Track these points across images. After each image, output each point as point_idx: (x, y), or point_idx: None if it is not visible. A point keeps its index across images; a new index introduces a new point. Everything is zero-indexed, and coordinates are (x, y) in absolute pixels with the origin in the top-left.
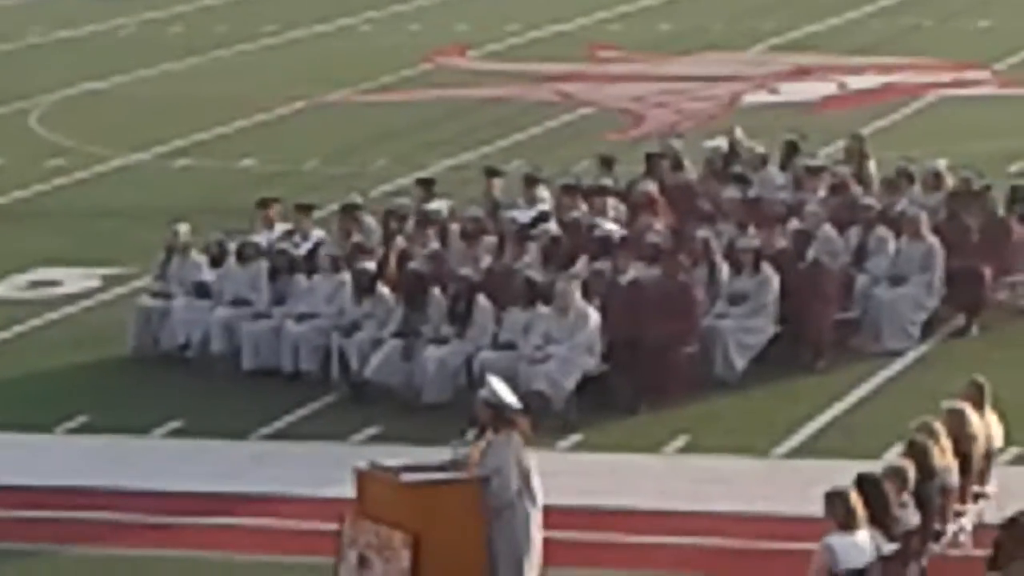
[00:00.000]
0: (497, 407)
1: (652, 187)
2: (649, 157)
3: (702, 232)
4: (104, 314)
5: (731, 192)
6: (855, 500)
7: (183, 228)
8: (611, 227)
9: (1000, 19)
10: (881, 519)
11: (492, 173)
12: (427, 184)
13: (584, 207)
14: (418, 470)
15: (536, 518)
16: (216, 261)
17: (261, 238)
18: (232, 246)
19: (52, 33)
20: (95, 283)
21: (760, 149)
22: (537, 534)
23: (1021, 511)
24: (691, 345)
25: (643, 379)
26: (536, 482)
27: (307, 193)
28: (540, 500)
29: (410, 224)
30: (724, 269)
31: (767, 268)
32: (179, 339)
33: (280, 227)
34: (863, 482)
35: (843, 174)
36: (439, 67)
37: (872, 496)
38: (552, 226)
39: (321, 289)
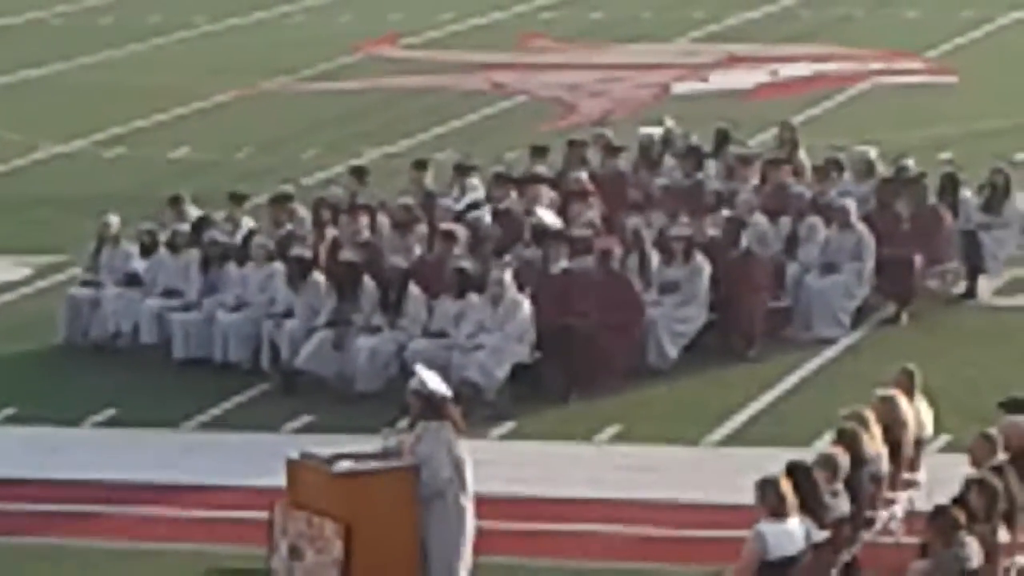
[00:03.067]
0: (427, 396)
1: (584, 176)
2: (572, 144)
3: (633, 221)
4: (35, 303)
5: (662, 181)
6: (786, 488)
7: (114, 218)
8: (548, 217)
9: (930, 8)
10: (812, 507)
11: (421, 165)
12: (360, 173)
13: (515, 196)
14: (350, 459)
15: (468, 507)
16: (147, 250)
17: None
18: (163, 236)
19: None
20: (26, 272)
21: (694, 138)
22: (469, 523)
23: (950, 499)
24: (636, 334)
25: (574, 368)
26: (468, 471)
27: (239, 182)
28: (471, 489)
29: (343, 214)
30: (655, 258)
31: (699, 257)
32: (110, 329)
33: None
34: (794, 470)
35: (776, 160)
36: (371, 56)
37: (803, 484)
38: (485, 214)
39: (253, 278)
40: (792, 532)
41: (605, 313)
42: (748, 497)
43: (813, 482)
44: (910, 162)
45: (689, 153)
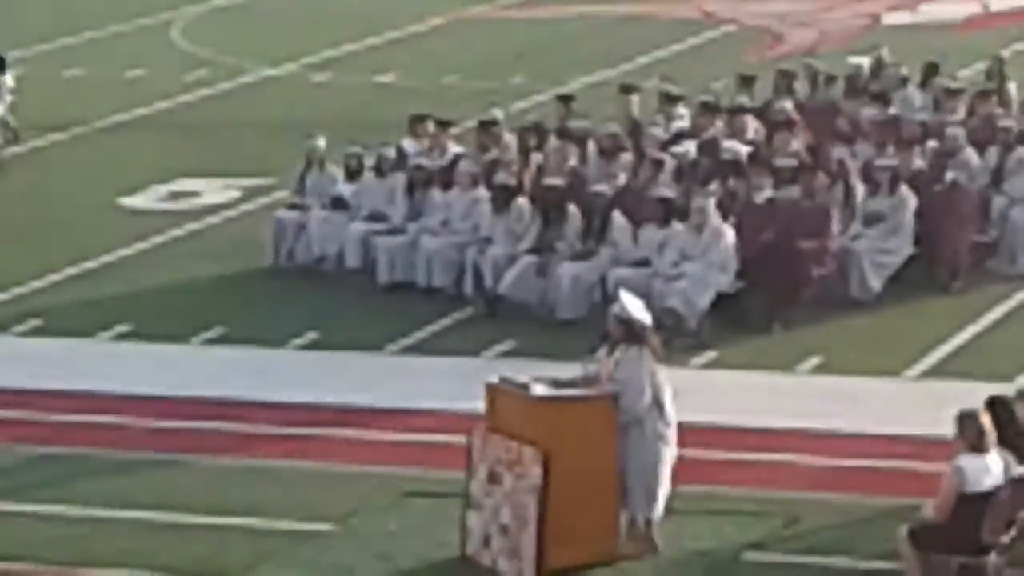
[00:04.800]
0: (629, 322)
1: (789, 106)
2: (781, 75)
3: (838, 151)
4: (243, 226)
5: (870, 112)
6: (986, 422)
7: (320, 141)
8: (738, 148)
9: None
10: (1012, 442)
11: (628, 90)
12: (567, 100)
13: (721, 126)
14: (548, 384)
15: (668, 435)
16: (353, 175)
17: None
18: (369, 160)
19: None
20: (235, 194)
21: (903, 70)
22: (670, 450)
23: None
24: (826, 265)
25: (777, 298)
26: (668, 399)
27: (446, 109)
28: (673, 417)
29: (550, 141)
30: (860, 189)
31: (904, 189)
32: (315, 252)
33: (408, 143)
34: (995, 404)
35: (984, 92)
36: None
37: (1003, 418)
38: (691, 146)
39: (457, 204)
40: (991, 466)
41: (801, 242)
42: (948, 430)
43: (1014, 416)
44: None
45: (879, 92)
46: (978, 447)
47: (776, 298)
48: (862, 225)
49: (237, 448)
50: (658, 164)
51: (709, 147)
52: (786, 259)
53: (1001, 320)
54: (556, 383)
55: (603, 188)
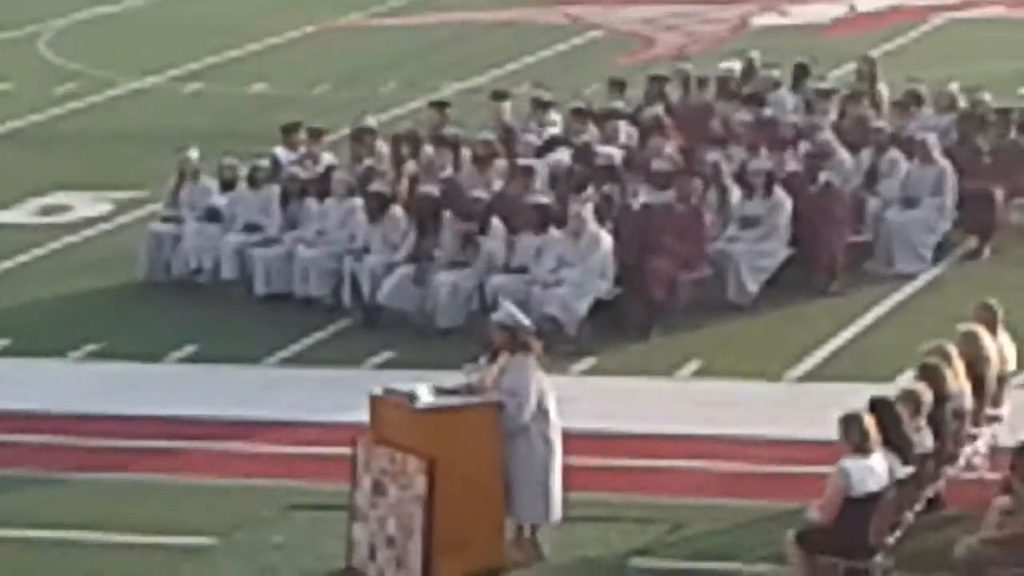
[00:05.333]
0: (512, 329)
1: (661, 110)
2: (652, 79)
3: (712, 155)
4: (116, 239)
5: (743, 115)
6: (869, 423)
7: (194, 153)
8: (610, 151)
9: None
10: (896, 442)
11: (499, 97)
12: (441, 107)
13: (595, 131)
14: (433, 392)
15: (555, 440)
16: (227, 186)
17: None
18: (243, 171)
19: None
20: (108, 207)
21: (775, 72)
22: (556, 456)
23: None
24: (700, 269)
25: (655, 302)
26: (552, 406)
27: (317, 118)
28: (557, 423)
29: (424, 148)
30: (735, 192)
31: (779, 191)
32: (191, 264)
33: (281, 152)
34: (878, 405)
35: (856, 94)
36: None
37: (887, 419)
38: (565, 152)
39: (333, 214)
40: (876, 468)
41: (676, 246)
42: (830, 432)
43: (897, 417)
44: (988, 96)
45: (752, 94)
46: (862, 449)
47: (655, 310)
48: (738, 228)
49: (117, 463)
50: (528, 171)
51: (583, 153)
52: (664, 273)
53: (879, 321)
54: (440, 390)
55: (481, 194)
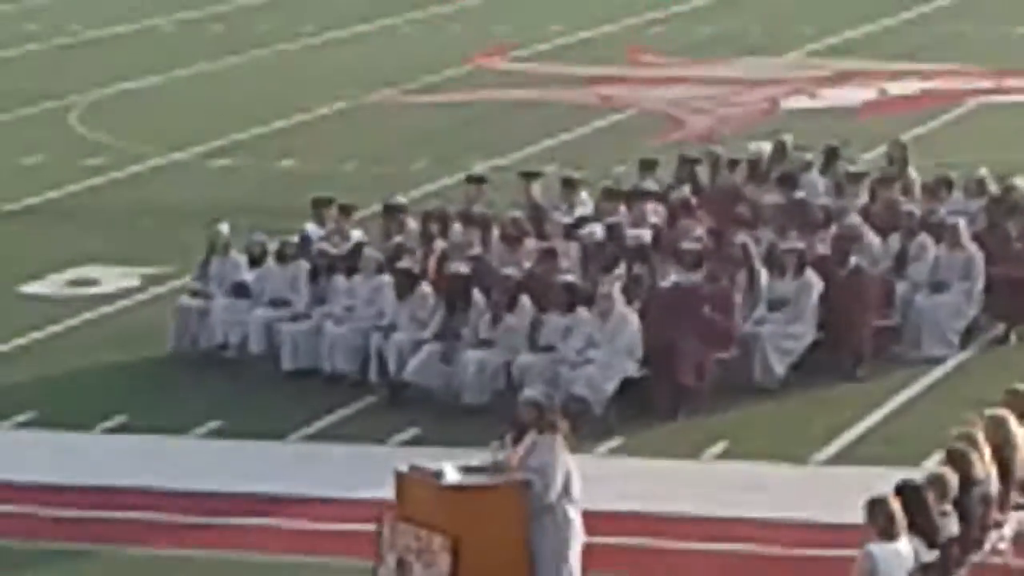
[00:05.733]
0: (541, 408)
1: (688, 191)
2: (682, 161)
3: (741, 237)
4: (143, 314)
5: (772, 197)
6: (896, 508)
7: (224, 228)
8: (640, 232)
9: None
10: (922, 527)
11: (529, 176)
12: (479, 182)
13: (624, 211)
14: (460, 470)
15: (577, 520)
16: (256, 261)
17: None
18: (271, 246)
19: (87, 32)
20: (134, 282)
21: (808, 156)
22: (578, 536)
23: None
24: (729, 350)
25: (682, 384)
26: (576, 485)
27: (347, 194)
28: (579, 503)
29: (455, 226)
30: (763, 274)
31: (810, 272)
32: (218, 339)
33: (310, 228)
34: (904, 489)
35: (886, 178)
36: (480, 68)
37: (913, 503)
38: (597, 229)
39: (361, 290)
40: (901, 552)
41: (705, 328)
42: (856, 516)
43: (924, 502)
44: (1020, 181)
45: (786, 175)
46: (888, 533)
47: (683, 392)
48: (766, 310)
49: (143, 538)
50: (554, 253)
51: (613, 232)
52: (692, 355)
53: (906, 405)
54: (467, 469)
55: (511, 271)
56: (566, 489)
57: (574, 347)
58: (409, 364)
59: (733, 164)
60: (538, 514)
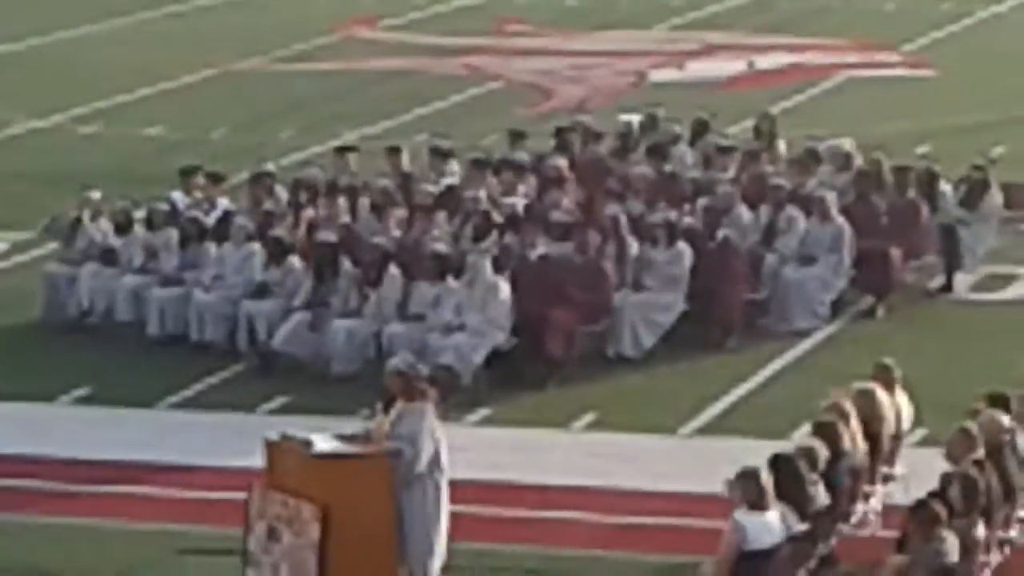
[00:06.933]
0: (408, 376)
1: (562, 162)
2: (559, 132)
3: (611, 208)
4: (11, 279)
5: (642, 168)
6: (766, 479)
7: (95, 194)
8: (515, 203)
9: (908, 0)
10: (794, 498)
11: (394, 151)
12: (345, 152)
13: (493, 182)
14: (332, 438)
15: (445, 489)
16: (122, 228)
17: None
18: (138, 214)
19: None
20: (2, 247)
21: (677, 128)
22: (446, 505)
23: (929, 493)
24: (599, 322)
25: (551, 355)
26: (444, 455)
27: (214, 162)
28: (447, 472)
29: (321, 196)
30: (633, 246)
31: (681, 243)
32: (86, 305)
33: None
34: (778, 460)
35: (755, 151)
36: (350, 37)
37: (787, 475)
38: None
39: (231, 258)
40: (771, 523)
41: (576, 299)
42: (723, 487)
43: (799, 474)
44: (885, 155)
45: (655, 145)
46: (758, 505)
47: (552, 362)
48: (635, 281)
49: (10, 505)
50: (430, 217)
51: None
52: (561, 325)
53: (774, 377)
54: (337, 437)
55: (380, 240)
56: (435, 458)
57: (443, 316)
58: (278, 333)
59: (598, 136)
60: (408, 483)
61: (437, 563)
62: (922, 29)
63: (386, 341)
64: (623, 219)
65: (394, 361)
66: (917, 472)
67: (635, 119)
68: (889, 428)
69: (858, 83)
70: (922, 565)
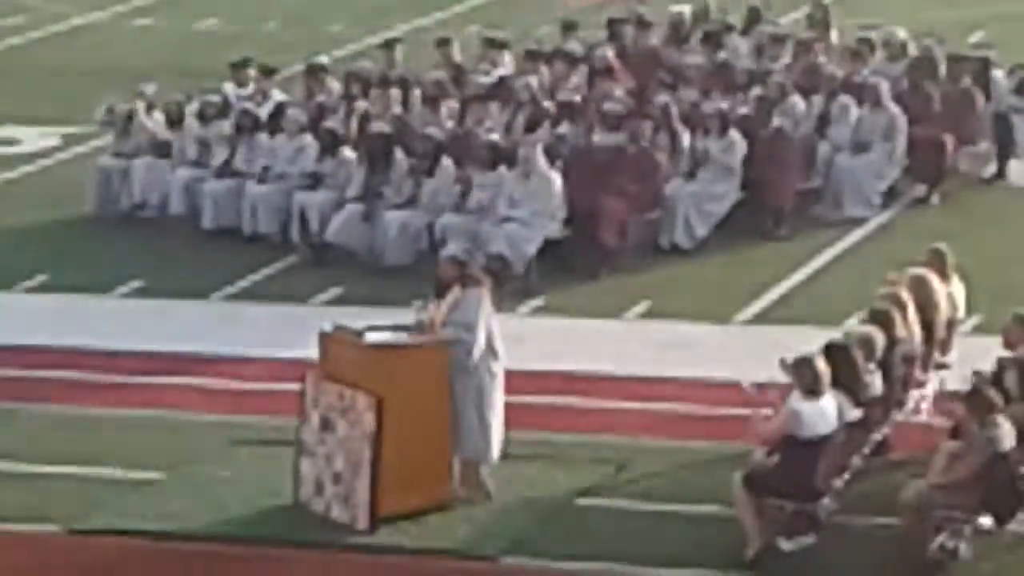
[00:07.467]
0: (463, 263)
1: (611, 53)
2: (611, 22)
3: (662, 98)
4: (65, 173)
5: (695, 58)
6: (822, 366)
7: (149, 87)
8: (571, 94)
9: None
10: (850, 385)
11: (444, 43)
12: (392, 45)
13: (546, 72)
14: (382, 331)
15: (500, 377)
16: (174, 121)
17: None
18: (193, 106)
19: None
20: (54, 142)
21: (729, 17)
22: (501, 394)
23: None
24: (653, 211)
25: (604, 244)
26: (499, 343)
27: (267, 55)
28: (503, 361)
29: (374, 88)
30: (685, 136)
31: (734, 132)
32: (138, 198)
33: (230, 88)
34: (833, 348)
35: (808, 40)
36: None
37: (842, 362)
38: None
39: (284, 150)
40: (826, 410)
41: (628, 188)
42: (779, 375)
43: (854, 361)
44: (940, 43)
45: (710, 34)
46: (813, 391)
47: (605, 251)
48: (688, 171)
49: (64, 396)
50: (482, 108)
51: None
52: (615, 214)
53: (827, 266)
54: (395, 328)
55: (433, 131)
56: (490, 344)
57: (496, 207)
58: (331, 225)
59: (650, 25)
60: (463, 369)
61: (495, 450)
62: None
63: (439, 232)
64: (674, 109)
65: (450, 248)
66: (970, 359)
67: (687, 9)
68: (943, 315)
69: None
70: (977, 451)
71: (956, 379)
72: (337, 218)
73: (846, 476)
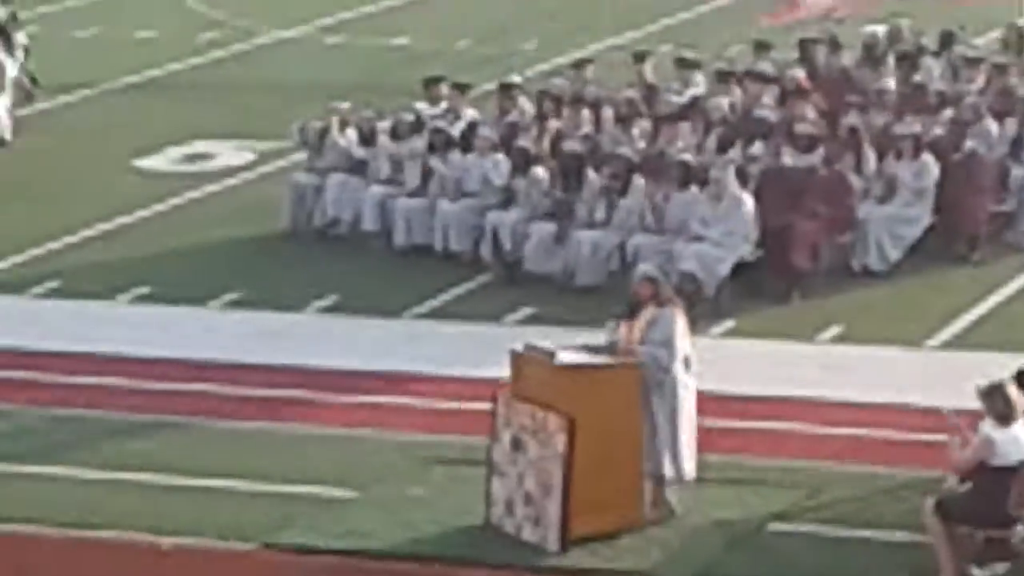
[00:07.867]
0: (658, 282)
1: (802, 74)
2: (803, 43)
3: (852, 119)
4: (259, 189)
5: (887, 80)
6: (1014, 393)
7: (343, 105)
8: (767, 113)
9: None
10: None
11: (641, 57)
12: (582, 65)
13: (738, 92)
14: (575, 351)
15: (693, 397)
16: (367, 139)
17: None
18: (382, 124)
19: None
20: (250, 157)
21: (923, 39)
22: (693, 414)
23: None
24: (845, 234)
25: (796, 267)
26: (693, 362)
27: (459, 72)
28: (694, 382)
29: (566, 107)
30: (872, 158)
31: (927, 156)
32: (332, 215)
33: (423, 106)
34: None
35: (1003, 63)
36: None
37: None
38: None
39: (476, 169)
40: (1019, 438)
41: (820, 211)
42: (972, 401)
43: None
44: None
45: (905, 55)
46: (1006, 418)
47: (796, 274)
48: (881, 194)
49: (256, 413)
50: (674, 129)
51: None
52: (806, 237)
53: (1022, 290)
54: (587, 348)
55: (625, 150)
56: (687, 362)
57: (689, 227)
58: (524, 248)
59: (841, 47)
60: (658, 386)
61: (689, 466)
62: None
63: (631, 252)
64: (863, 131)
65: (644, 267)
66: None
67: (880, 30)
68: None
69: None
70: None
71: None
72: (530, 242)
73: None
